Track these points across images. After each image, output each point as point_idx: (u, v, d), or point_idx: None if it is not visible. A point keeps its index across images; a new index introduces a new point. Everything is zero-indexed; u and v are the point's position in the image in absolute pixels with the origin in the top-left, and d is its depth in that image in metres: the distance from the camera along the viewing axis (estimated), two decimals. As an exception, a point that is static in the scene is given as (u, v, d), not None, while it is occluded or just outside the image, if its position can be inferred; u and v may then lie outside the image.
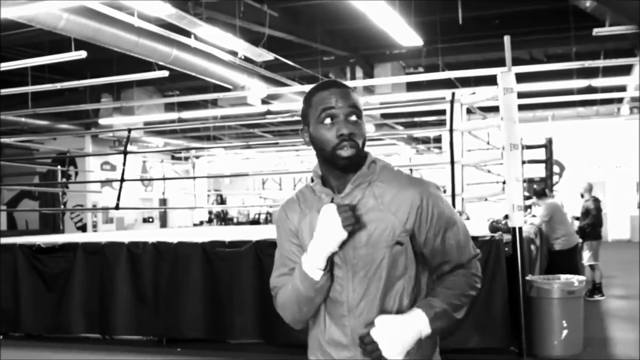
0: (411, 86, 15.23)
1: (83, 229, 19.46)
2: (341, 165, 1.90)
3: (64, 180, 18.83)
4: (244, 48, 10.79)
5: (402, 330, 1.81)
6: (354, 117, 1.89)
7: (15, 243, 7.72)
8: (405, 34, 9.96)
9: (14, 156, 18.60)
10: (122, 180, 8.18)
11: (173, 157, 23.55)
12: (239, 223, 23.00)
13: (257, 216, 23.41)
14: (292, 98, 14.34)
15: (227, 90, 13.14)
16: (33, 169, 18.15)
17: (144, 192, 22.27)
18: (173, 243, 7.04)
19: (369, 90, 15.40)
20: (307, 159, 23.30)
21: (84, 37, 9.61)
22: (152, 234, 8.90)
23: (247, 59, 11.74)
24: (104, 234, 10.29)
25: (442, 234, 1.93)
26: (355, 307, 1.91)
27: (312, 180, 2.02)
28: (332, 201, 1.91)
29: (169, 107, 18.03)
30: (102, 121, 16.52)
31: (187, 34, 10.24)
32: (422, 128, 18.26)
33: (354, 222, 1.83)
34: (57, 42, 11.20)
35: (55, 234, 13.94)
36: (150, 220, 22.35)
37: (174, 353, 6.85)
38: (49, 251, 7.50)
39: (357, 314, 1.91)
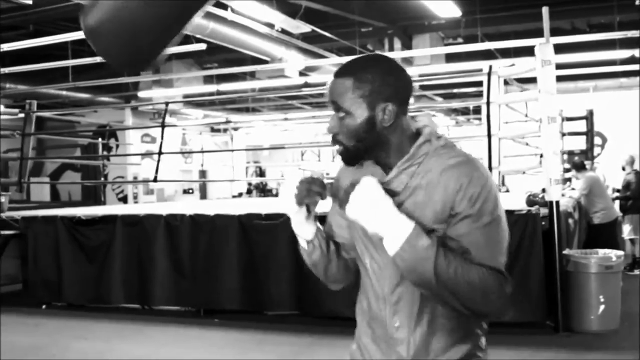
0: (450, 57, 15.05)
1: (124, 200, 19.69)
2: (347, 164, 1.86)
3: (105, 152, 19.12)
4: (280, 20, 10.76)
5: (375, 210, 1.65)
6: (340, 113, 1.76)
7: (57, 215, 7.87)
8: (443, 5, 9.86)
9: (56, 129, 18.91)
10: (160, 153, 8.27)
11: (212, 130, 23.65)
12: (277, 194, 23.08)
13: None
14: (330, 70, 14.27)
15: (265, 62, 13.12)
16: (75, 141, 18.43)
17: (184, 163, 22.45)
18: (210, 215, 7.12)
19: (408, 61, 15.27)
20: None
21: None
22: (190, 206, 9.00)
23: (284, 31, 11.71)
24: (143, 206, 10.42)
25: (475, 225, 1.69)
26: (390, 295, 1.81)
27: None
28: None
29: (208, 80, 18.05)
30: (142, 94, 16.63)
31: (224, 6, 10.24)
32: (461, 99, 18.09)
33: (305, 196, 1.80)
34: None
35: (96, 206, 14.21)
36: (190, 191, 22.52)
37: (211, 324, 6.96)
38: (89, 223, 7.63)
39: (392, 303, 1.80)
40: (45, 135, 15.97)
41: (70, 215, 7.77)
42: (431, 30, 14.85)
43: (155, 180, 8.25)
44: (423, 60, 14.91)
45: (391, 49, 14.69)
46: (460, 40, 15.37)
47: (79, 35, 10.74)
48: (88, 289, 7.56)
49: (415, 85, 16.70)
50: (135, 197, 19.62)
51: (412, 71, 14.44)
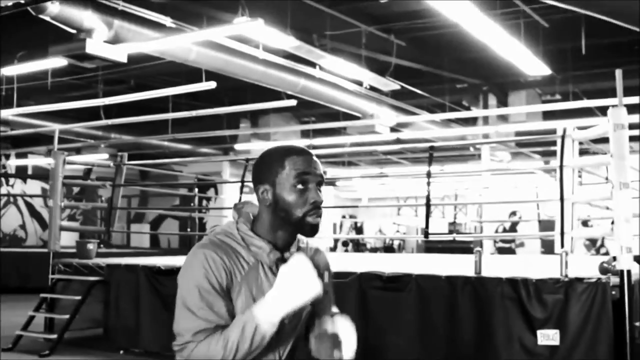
0: (548, 115, 14.80)
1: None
2: (307, 231, 1.94)
3: (204, 202, 19.67)
4: (369, 77, 10.92)
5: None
6: (322, 187, 1.95)
7: (138, 264, 8.15)
8: (531, 64, 9.76)
9: (159, 178, 19.63)
10: (239, 205, 8.45)
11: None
12: (372, 249, 23.06)
13: (390, 242, 23.41)
14: (422, 126, 14.31)
15: (357, 118, 13.30)
16: (176, 190, 19.01)
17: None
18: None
19: (503, 118, 15.12)
20: (438, 186, 23.08)
21: (213, 69, 10.05)
22: None
23: (372, 88, 11.86)
24: None
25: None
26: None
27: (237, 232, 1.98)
28: (282, 258, 1.94)
29: (305, 133, 18.39)
30: (238, 146, 17.09)
31: (312, 64, 10.49)
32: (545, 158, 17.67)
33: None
34: (193, 70, 11.75)
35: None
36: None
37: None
38: (167, 273, 7.85)
39: None
40: (138, 187, 16.52)
41: (151, 264, 8.03)
42: (527, 87, 14.66)
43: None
44: (519, 117, 14.71)
45: (485, 105, 14.60)
46: (558, 96, 15.12)
47: (179, 90, 11.23)
48: (163, 336, 7.74)
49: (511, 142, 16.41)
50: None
51: (507, 128, 14.25)
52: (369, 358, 6.59)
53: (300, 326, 2.01)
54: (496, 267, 7.36)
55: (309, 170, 1.92)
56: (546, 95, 15.64)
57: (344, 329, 1.94)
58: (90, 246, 8.93)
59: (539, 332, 5.92)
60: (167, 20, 8.49)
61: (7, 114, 12.64)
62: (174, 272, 7.85)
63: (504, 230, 20.90)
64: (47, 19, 7.78)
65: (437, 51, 12.04)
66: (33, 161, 19.41)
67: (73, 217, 19.85)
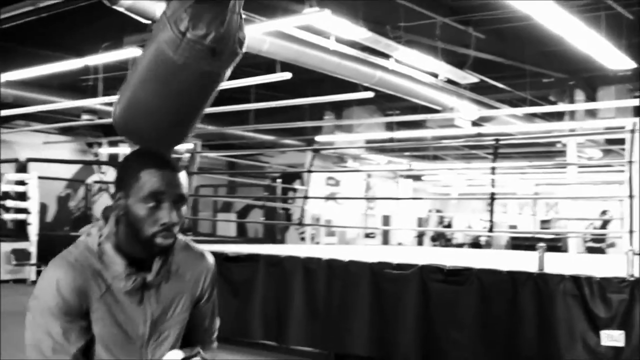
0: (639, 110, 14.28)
1: (311, 240, 20.33)
2: (155, 252, 1.85)
3: (290, 193, 19.87)
4: (445, 70, 10.79)
5: None
6: (179, 205, 1.83)
7: (209, 251, 8.32)
8: (614, 57, 9.44)
9: (246, 168, 19.95)
10: (306, 197, 8.53)
11: (397, 176, 23.86)
12: (458, 245, 22.79)
13: (477, 239, 23.07)
14: (504, 120, 14.05)
15: (437, 111, 13.17)
16: (263, 180, 19.27)
17: (367, 208, 22.80)
18: (344, 261, 7.23)
19: (592, 113, 14.68)
20: (532, 182, 22.61)
21: (288, 60, 10.14)
22: (328, 251, 9.14)
23: (450, 81, 11.71)
24: (286, 247, 10.72)
25: (205, 304, 2.09)
26: None
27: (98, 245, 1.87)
28: (142, 281, 1.87)
29: (389, 126, 18.34)
30: (320, 138, 17.18)
31: (387, 56, 10.45)
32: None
33: None
34: (272, 63, 11.89)
35: (273, 244, 14.80)
36: (372, 235, 22.79)
37: (340, 368, 7.04)
38: (235, 260, 8.00)
39: None
40: (214, 175, 16.77)
41: (220, 251, 8.19)
42: (617, 82, 14.19)
43: (300, 223, 8.49)
44: (608, 113, 14.26)
45: (572, 100, 14.21)
46: (648, 92, 14.55)
47: (255, 80, 11.39)
48: (231, 322, 7.88)
49: (600, 138, 15.89)
50: (312, 238, 20.12)
51: (596, 124, 13.83)
52: (428, 350, 6.56)
53: (173, 341, 1.98)
54: (560, 264, 7.18)
55: (164, 188, 1.79)
56: (637, 90, 15.10)
57: None
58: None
59: (603, 332, 5.74)
60: (238, 12, 8.58)
61: (94, 102, 13.08)
62: (241, 259, 8.00)
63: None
64: (122, 9, 8.02)
65: (517, 44, 11.79)
66: (124, 149, 20.05)
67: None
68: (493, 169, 6.74)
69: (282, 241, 18.28)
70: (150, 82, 1.87)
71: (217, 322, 2.24)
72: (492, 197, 6.74)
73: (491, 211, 6.69)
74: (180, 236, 1.97)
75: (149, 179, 1.78)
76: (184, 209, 1.85)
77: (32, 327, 1.77)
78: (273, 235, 19.30)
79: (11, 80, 11.39)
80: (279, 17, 8.60)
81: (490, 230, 6.77)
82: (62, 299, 1.75)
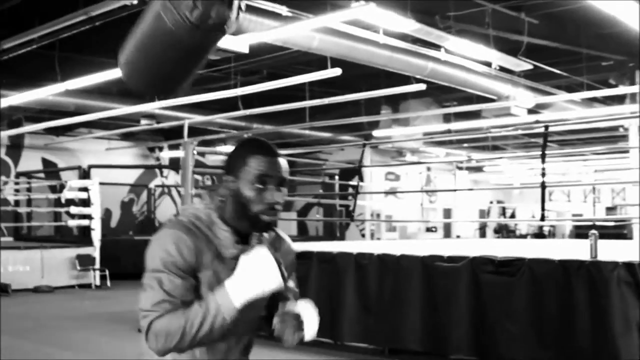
0: None
1: (370, 236, 20.28)
2: (259, 227, 2.05)
3: (350, 189, 19.84)
4: (497, 58, 10.62)
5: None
6: (282, 187, 2.03)
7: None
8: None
9: (304, 166, 20.01)
10: (357, 192, 8.50)
11: (458, 168, 23.60)
12: (520, 236, 22.43)
13: (541, 229, 22.68)
14: (563, 106, 13.75)
15: (492, 100, 12.97)
16: (322, 178, 19.30)
17: (428, 202, 22.63)
18: (396, 255, 7.19)
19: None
20: (599, 169, 22.06)
21: (338, 55, 10.11)
22: (379, 246, 9.12)
23: (503, 69, 11.51)
24: (339, 244, 10.71)
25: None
26: (235, 346, 2.12)
27: (207, 217, 2.07)
28: (245, 250, 2.01)
29: (447, 118, 18.15)
30: (376, 132, 17.10)
31: (438, 46, 10.34)
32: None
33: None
34: (324, 59, 11.87)
35: (331, 241, 14.84)
36: (434, 229, 22.62)
37: (393, 364, 7.00)
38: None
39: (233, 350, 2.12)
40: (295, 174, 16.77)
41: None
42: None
43: (351, 219, 8.47)
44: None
45: (632, 83, 13.81)
46: None
47: (306, 78, 11.40)
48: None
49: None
50: (372, 235, 20.07)
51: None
52: (481, 343, 6.47)
53: (255, 318, 2.13)
54: (615, 251, 6.99)
55: (270, 172, 2.00)
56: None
57: (306, 310, 1.99)
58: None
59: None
60: (282, 10, 8.63)
61: (152, 107, 13.32)
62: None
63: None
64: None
65: (572, 28, 11.52)
66: (182, 153, 20.30)
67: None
68: (543, 156, 6.58)
69: (341, 238, 18.26)
70: (147, 45, 2.17)
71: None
72: (543, 186, 6.60)
73: (542, 200, 6.56)
74: None
75: (257, 164, 2.00)
76: (285, 191, 2.05)
77: (146, 278, 1.97)
78: (332, 232, 19.33)
79: (70, 89, 11.64)
80: (326, 13, 8.57)
81: (542, 219, 6.63)
82: (180, 254, 1.95)
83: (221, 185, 2.08)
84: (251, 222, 2.03)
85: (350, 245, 9.16)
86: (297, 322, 1.98)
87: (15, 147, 18.43)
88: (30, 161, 18.48)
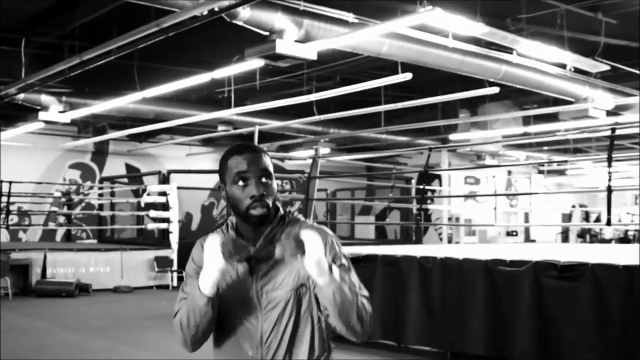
0: None
1: (449, 240, 20.13)
2: (254, 223, 2.14)
3: (428, 193, 19.77)
4: (572, 59, 10.43)
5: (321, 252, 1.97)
6: (264, 179, 2.13)
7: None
8: None
9: (383, 171, 20.07)
10: (423, 197, 8.50)
11: (539, 171, 23.18)
12: (603, 240, 21.84)
13: (626, 233, 22.03)
14: (644, 108, 13.37)
15: (569, 102, 12.73)
16: (401, 182, 19.27)
17: (508, 206, 22.30)
18: (459, 259, 7.17)
19: None
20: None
21: (408, 60, 10.13)
22: (441, 249, 9.04)
23: (579, 71, 11.28)
24: (402, 247, 10.68)
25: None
26: (265, 342, 2.15)
27: (227, 227, 2.25)
28: (248, 253, 2.10)
29: (527, 121, 17.86)
30: (454, 136, 16.99)
31: (510, 49, 10.23)
32: None
33: (232, 254, 2.00)
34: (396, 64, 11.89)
35: (408, 244, 14.83)
36: (514, 234, 22.27)
37: (455, 367, 6.98)
38: (354, 261, 8.07)
39: (265, 347, 2.15)
40: (329, 179, 16.83)
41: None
42: None
43: (417, 222, 8.46)
44: None
45: None
46: None
47: (377, 83, 11.46)
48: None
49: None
50: (449, 240, 19.90)
51: None
52: (545, 348, 6.39)
53: (291, 311, 2.15)
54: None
55: (248, 167, 2.12)
56: None
57: (311, 239, 1.97)
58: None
59: None
60: (349, 17, 8.72)
61: (229, 114, 13.61)
62: (359, 260, 8.10)
63: None
64: (240, 23, 8.34)
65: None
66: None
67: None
68: (609, 160, 6.47)
69: (417, 242, 18.18)
70: None
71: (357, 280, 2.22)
72: (609, 190, 6.49)
73: (608, 204, 6.45)
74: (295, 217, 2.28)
75: (235, 164, 2.13)
76: (270, 182, 2.15)
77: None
78: (409, 236, 19.28)
79: (148, 97, 12.03)
80: (390, 19, 8.60)
81: (608, 223, 6.51)
82: (193, 260, 2.22)
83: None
84: (246, 220, 2.14)
85: (415, 249, 9.16)
86: (299, 245, 1.97)
87: (100, 153, 19.16)
88: (114, 167, 19.18)
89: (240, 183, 2.12)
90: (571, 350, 6.18)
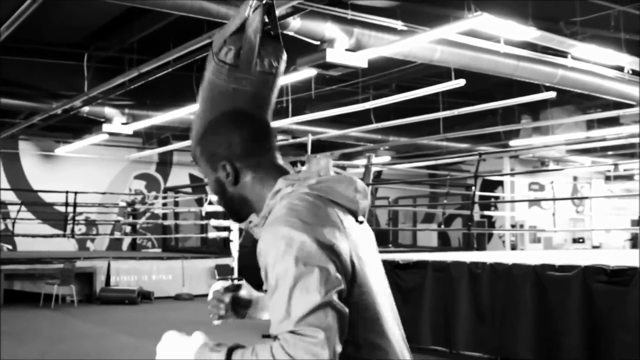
0: None
1: (513, 247, 19.87)
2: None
3: (492, 200, 19.58)
4: (629, 62, 10.25)
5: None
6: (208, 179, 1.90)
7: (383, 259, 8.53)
8: None
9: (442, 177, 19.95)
10: (473, 202, 8.47)
11: (607, 178, 22.68)
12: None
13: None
14: None
15: (631, 106, 12.49)
16: (461, 189, 19.13)
17: (574, 212, 21.86)
18: (508, 264, 7.15)
19: None
20: None
21: (461, 66, 10.11)
22: (492, 255, 8.99)
23: (636, 73, 11.07)
24: (453, 254, 10.64)
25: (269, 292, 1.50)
26: None
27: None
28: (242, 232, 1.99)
29: (591, 125, 17.54)
30: (515, 142, 16.81)
31: (564, 53, 10.13)
32: None
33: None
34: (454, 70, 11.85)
35: (467, 251, 14.74)
36: (581, 240, 21.81)
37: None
38: (405, 267, 8.14)
39: None
40: (380, 185, 16.80)
41: (391, 259, 8.37)
42: None
43: (468, 228, 8.44)
44: None
45: None
46: None
47: (430, 90, 11.46)
48: (403, 328, 8.02)
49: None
50: (513, 247, 19.63)
51: None
52: (593, 352, 6.32)
53: None
54: None
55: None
56: None
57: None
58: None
59: None
60: (398, 24, 8.78)
61: (287, 123, 13.79)
62: (410, 266, 8.13)
63: None
64: (291, 33, 8.49)
65: None
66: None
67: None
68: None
69: (479, 249, 18.02)
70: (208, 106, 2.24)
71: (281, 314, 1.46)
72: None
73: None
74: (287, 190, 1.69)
75: None
76: (209, 175, 1.78)
77: None
78: (470, 243, 19.11)
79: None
80: (439, 25, 8.62)
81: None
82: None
83: None
84: None
85: (465, 255, 9.14)
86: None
87: (164, 164, 19.59)
88: (178, 177, 19.58)
89: None
90: (621, 353, 6.10)
